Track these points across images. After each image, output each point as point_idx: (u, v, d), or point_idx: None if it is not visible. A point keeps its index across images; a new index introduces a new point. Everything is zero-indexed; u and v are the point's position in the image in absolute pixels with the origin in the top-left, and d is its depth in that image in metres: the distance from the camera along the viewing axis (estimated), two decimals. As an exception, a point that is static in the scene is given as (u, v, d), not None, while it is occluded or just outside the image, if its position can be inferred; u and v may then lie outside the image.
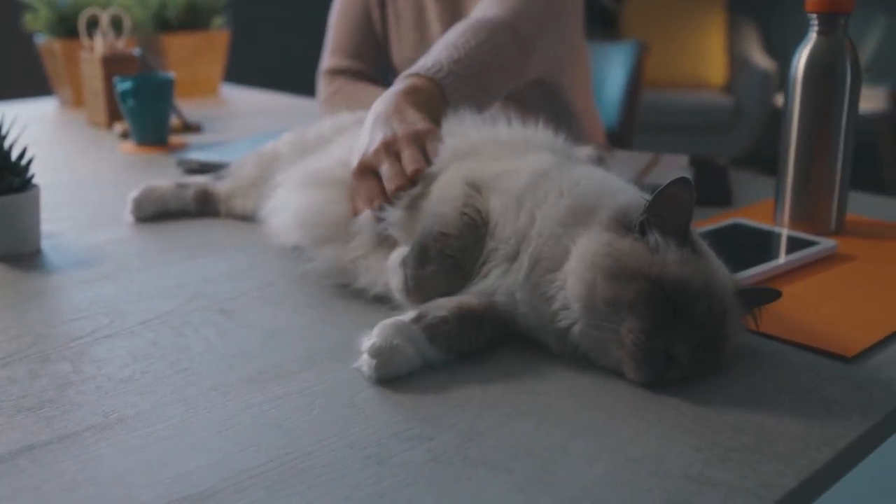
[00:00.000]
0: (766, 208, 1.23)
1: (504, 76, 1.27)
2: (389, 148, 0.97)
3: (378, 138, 0.99)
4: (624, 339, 0.73)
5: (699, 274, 0.76)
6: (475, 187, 0.88)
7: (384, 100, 1.08)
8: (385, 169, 0.95)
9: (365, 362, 0.76)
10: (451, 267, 0.85)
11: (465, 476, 0.61)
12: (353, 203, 0.99)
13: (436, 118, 1.06)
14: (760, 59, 4.77)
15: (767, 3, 5.12)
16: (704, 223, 1.16)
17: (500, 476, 0.61)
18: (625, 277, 0.74)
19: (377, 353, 0.75)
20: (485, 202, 0.87)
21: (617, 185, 0.88)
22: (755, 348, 0.82)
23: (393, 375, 0.76)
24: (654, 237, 0.77)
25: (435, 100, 1.11)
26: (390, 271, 0.89)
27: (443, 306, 0.80)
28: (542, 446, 0.65)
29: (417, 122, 1.01)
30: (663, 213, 0.78)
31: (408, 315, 0.79)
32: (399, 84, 1.13)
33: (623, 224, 0.79)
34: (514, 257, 0.83)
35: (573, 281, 0.77)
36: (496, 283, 0.82)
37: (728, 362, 0.77)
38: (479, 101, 1.16)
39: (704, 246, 0.80)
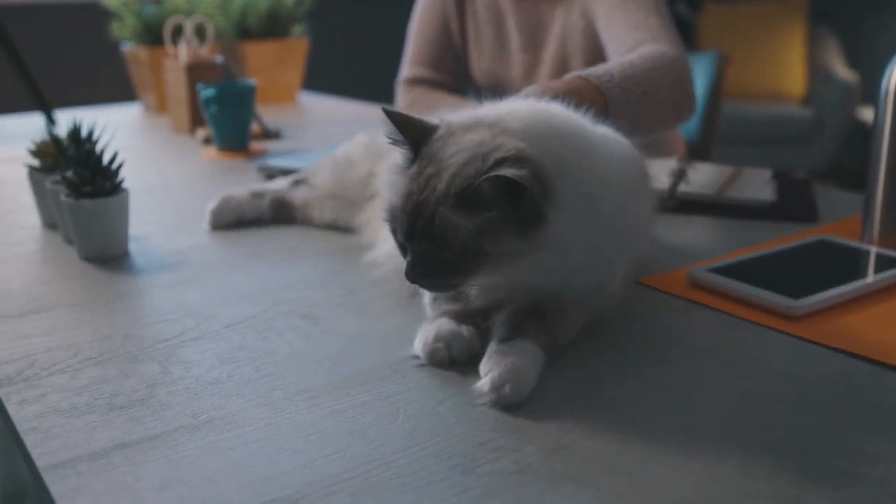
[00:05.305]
0: (853, 225, 1.20)
1: (665, 109, 1.26)
2: None
3: None
4: None
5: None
6: None
7: (545, 88, 1.07)
8: None
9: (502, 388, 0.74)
10: None
11: (551, 489, 0.61)
12: None
13: None
14: (842, 71, 4.67)
15: (851, 14, 5.01)
16: (789, 239, 1.14)
17: (586, 491, 0.61)
18: None
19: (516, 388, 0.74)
20: None
21: None
22: (846, 369, 0.80)
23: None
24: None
25: (595, 110, 1.08)
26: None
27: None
28: (628, 462, 0.65)
29: None
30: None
31: (533, 342, 0.79)
32: (563, 82, 1.12)
33: None
34: None
35: None
36: None
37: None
38: (634, 125, 1.14)
39: (433, 152, 0.81)
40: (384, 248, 1.03)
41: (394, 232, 0.82)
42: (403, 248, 0.81)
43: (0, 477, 2.13)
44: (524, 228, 0.76)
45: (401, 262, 0.82)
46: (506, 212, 0.75)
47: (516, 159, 0.75)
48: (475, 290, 0.83)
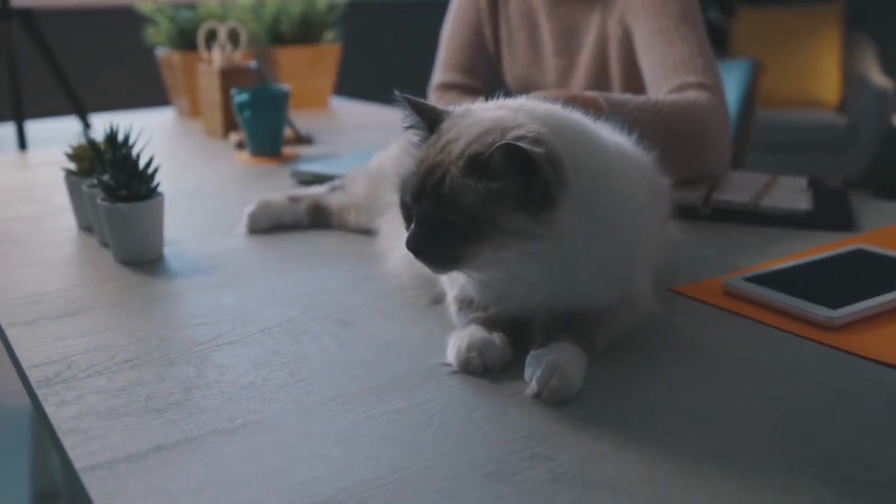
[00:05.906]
0: (891, 234, 1.19)
1: (675, 155, 1.24)
2: None
3: None
4: None
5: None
6: None
7: (546, 95, 1.09)
8: None
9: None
10: None
11: (587, 498, 0.61)
12: None
13: None
14: (878, 78, 4.60)
15: (887, 21, 4.95)
16: (826, 248, 1.12)
17: (621, 500, 0.61)
18: None
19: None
20: None
21: None
22: (884, 380, 0.79)
23: None
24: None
25: None
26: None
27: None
28: (663, 472, 0.64)
29: None
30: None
31: (571, 343, 0.80)
32: (566, 91, 1.14)
33: None
34: None
35: None
36: None
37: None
38: None
39: (451, 125, 0.82)
40: (397, 254, 1.02)
41: (403, 203, 0.82)
42: (408, 215, 0.82)
43: (33, 477, 2.15)
44: (534, 209, 0.76)
45: (417, 269, 0.82)
46: (517, 186, 0.76)
47: (535, 140, 0.76)
48: (476, 275, 0.82)
